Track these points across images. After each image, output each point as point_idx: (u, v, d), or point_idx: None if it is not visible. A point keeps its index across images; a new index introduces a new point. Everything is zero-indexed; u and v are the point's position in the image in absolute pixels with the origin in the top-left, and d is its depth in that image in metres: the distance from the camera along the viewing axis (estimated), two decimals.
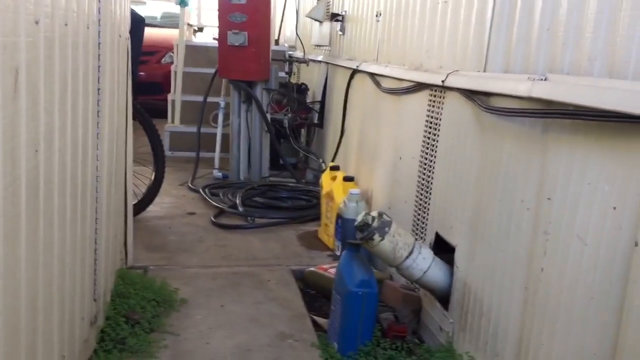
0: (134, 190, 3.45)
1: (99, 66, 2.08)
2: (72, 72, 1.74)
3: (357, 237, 2.49)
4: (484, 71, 2.28)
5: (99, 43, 2.07)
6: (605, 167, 1.57)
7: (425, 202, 2.79)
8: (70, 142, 1.78)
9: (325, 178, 3.99)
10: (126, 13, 2.81)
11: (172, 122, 6.19)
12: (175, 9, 6.73)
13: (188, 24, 6.86)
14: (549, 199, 1.80)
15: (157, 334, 2.51)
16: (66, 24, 1.64)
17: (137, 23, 3.43)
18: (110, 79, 2.32)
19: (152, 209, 4.11)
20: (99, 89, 2.12)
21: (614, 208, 1.52)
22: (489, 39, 2.26)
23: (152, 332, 2.51)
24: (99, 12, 2.03)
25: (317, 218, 4.09)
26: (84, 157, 1.98)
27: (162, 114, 6.26)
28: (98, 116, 2.16)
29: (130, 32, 3.00)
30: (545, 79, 1.83)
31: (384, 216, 2.49)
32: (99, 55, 2.08)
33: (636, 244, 1.43)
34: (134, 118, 3.16)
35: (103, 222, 2.37)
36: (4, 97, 1.22)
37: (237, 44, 4.92)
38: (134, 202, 3.43)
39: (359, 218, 2.51)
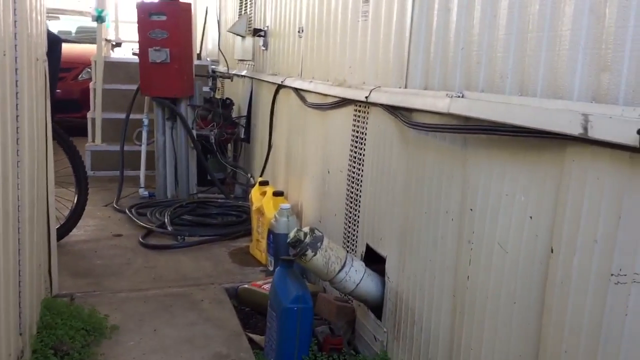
0: (56, 214, 3.33)
1: (17, 93, 2.01)
2: None
3: (290, 253, 2.52)
4: (405, 87, 2.37)
5: (16, 69, 2.00)
6: (521, 179, 1.67)
7: (355, 215, 2.86)
8: None
9: (254, 193, 3.99)
10: (43, 35, 2.72)
11: (93, 140, 6.02)
12: (91, 23, 6.54)
13: (106, 40, 6.68)
14: (471, 209, 1.89)
15: None
16: None
17: (54, 43, 3.32)
18: (29, 104, 2.24)
19: (76, 233, 3.98)
20: (17, 116, 2.05)
21: (531, 217, 1.62)
22: (409, 55, 2.35)
23: None
24: (15, 37, 1.97)
25: (248, 234, 4.09)
26: (5, 187, 1.90)
27: (81, 132, 6.07)
28: (17, 143, 2.08)
29: (47, 53, 2.91)
30: (462, 96, 1.93)
31: (316, 231, 2.53)
32: (16, 81, 2.01)
33: (552, 251, 1.54)
34: (52, 139, 3.05)
35: (26, 252, 2.28)
36: None
37: (158, 60, 4.85)
38: (56, 227, 3.31)
39: (291, 234, 2.54)
